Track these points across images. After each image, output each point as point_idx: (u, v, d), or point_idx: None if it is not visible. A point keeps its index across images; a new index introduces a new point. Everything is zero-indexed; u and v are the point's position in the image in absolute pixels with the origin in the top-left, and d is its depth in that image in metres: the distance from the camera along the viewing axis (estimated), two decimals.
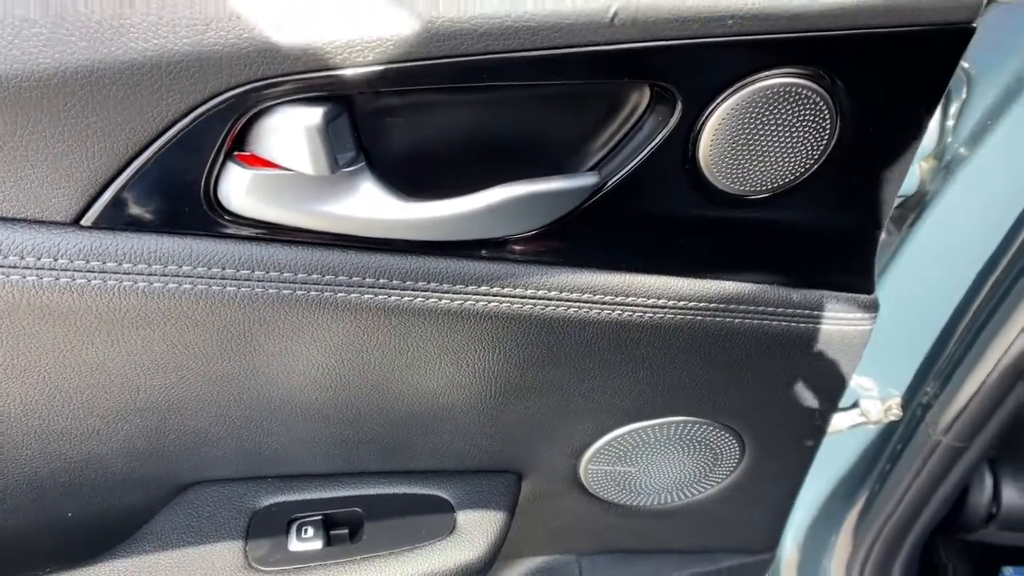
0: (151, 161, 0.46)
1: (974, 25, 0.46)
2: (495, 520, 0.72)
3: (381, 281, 0.54)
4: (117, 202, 0.47)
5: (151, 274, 0.50)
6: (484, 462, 0.73)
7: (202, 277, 0.51)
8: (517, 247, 0.56)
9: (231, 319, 0.54)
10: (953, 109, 0.72)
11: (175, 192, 0.48)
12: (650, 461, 0.75)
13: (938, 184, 0.75)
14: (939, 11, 0.46)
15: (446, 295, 0.56)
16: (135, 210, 0.48)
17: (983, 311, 0.80)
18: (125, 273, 0.50)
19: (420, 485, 0.72)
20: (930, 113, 0.52)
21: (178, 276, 0.50)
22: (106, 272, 0.49)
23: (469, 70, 0.46)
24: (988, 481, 1.05)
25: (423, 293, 0.56)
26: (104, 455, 0.62)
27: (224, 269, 0.51)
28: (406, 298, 0.55)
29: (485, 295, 0.57)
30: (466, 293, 0.56)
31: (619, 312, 0.60)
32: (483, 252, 0.55)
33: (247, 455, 0.67)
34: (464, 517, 0.72)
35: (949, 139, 0.72)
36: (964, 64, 0.70)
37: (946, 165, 0.73)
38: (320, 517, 0.70)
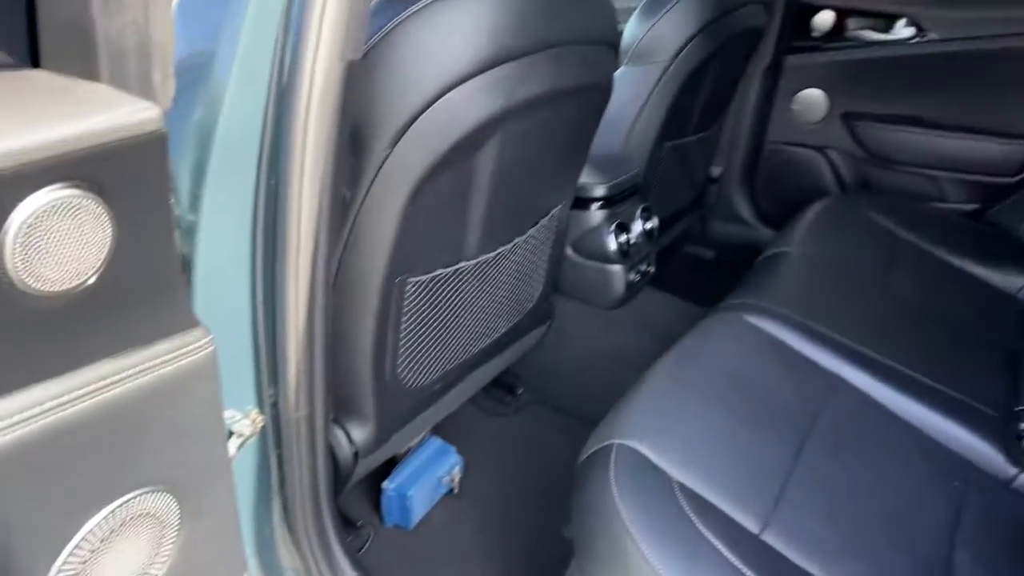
0: None
1: (165, 130, 0.67)
2: None
3: None
4: None
5: None
6: None
7: None
8: None
9: None
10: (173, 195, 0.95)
11: None
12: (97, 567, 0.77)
13: (189, 246, 0.97)
14: (138, 126, 0.65)
15: None
16: None
17: (262, 321, 1.08)
18: None
19: None
20: (167, 201, 0.71)
21: None
22: None
23: None
24: (340, 434, 1.41)
25: None
26: None
27: None
28: None
29: None
30: None
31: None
32: None
33: None
34: None
35: (176, 212, 0.95)
36: None
37: (187, 231, 0.96)
38: None
